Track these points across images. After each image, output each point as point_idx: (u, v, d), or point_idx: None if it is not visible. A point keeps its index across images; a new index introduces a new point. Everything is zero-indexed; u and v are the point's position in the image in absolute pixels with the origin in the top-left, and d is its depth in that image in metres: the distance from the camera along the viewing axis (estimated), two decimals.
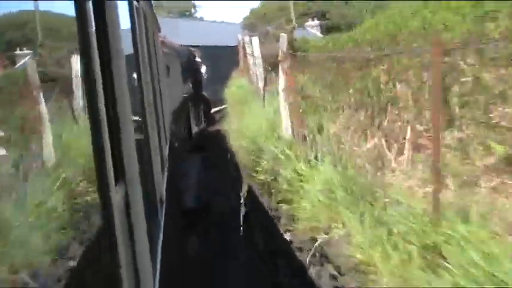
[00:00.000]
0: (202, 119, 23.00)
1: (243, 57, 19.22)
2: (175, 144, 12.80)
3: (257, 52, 14.70)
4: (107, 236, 2.09)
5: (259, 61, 14.43)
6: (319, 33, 43.75)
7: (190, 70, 21.21)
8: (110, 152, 2.20)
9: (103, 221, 2.10)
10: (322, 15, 48.90)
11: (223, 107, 22.84)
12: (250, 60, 16.52)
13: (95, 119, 2.11)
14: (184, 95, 18.81)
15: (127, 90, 2.89)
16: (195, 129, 20.58)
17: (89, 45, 2.08)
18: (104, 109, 2.20)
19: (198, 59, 23.07)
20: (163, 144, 6.30)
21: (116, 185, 2.27)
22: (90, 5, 2.13)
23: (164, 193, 4.91)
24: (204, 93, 23.68)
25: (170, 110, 12.79)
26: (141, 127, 4.14)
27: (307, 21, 47.24)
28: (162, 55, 12.10)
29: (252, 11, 47.72)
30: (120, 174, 2.53)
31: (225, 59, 24.45)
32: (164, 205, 4.60)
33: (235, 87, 18.15)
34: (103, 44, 2.42)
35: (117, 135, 2.55)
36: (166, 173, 5.83)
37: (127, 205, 2.64)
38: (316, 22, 49.25)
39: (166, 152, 6.74)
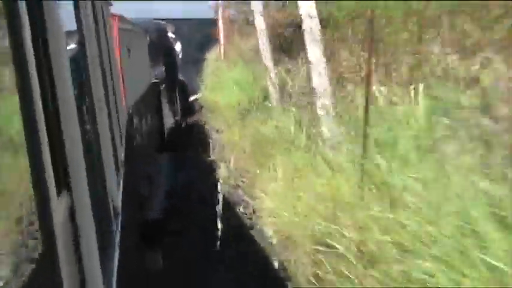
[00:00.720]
0: (179, 108, 22.67)
1: (225, 31, 17.29)
2: (138, 142, 12.66)
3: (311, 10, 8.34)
4: (48, 259, 2.05)
5: (316, 29, 8.24)
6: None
7: (160, 49, 20.83)
8: (48, 156, 2.16)
9: (42, 240, 2.06)
10: None
11: (200, 95, 22.37)
12: (262, 36, 11.83)
13: (28, 117, 2.08)
14: (155, 81, 18.32)
15: (70, 82, 2.85)
16: (169, 121, 20.12)
17: (19, 29, 2.05)
18: (40, 106, 2.17)
19: (171, 35, 22.81)
20: (118, 145, 6.25)
21: (58, 197, 2.23)
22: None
23: (120, 203, 4.87)
24: (181, 76, 23.41)
25: (132, 100, 12.56)
26: (89, 127, 4.09)
27: None
28: (119, 34, 11.91)
29: None
30: (63, 184, 2.49)
31: (194, 34, 23.96)
32: (119, 217, 4.56)
33: (222, 83, 13.23)
34: (36, 21, 2.39)
35: (58, 137, 2.51)
36: (122, 180, 5.79)
37: (72, 220, 2.60)
38: None
39: (121, 153, 6.68)
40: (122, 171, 6.13)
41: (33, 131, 2.09)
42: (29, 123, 2.09)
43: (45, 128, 2.18)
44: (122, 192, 5.45)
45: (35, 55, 2.16)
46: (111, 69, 7.84)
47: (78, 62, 4.39)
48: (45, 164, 2.10)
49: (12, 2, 2.01)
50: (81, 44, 4.59)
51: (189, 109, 23.62)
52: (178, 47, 23.24)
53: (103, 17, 8.06)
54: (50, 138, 2.24)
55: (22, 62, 2.06)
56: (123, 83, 11.31)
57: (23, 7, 2.08)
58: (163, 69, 20.62)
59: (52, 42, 2.53)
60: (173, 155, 17.83)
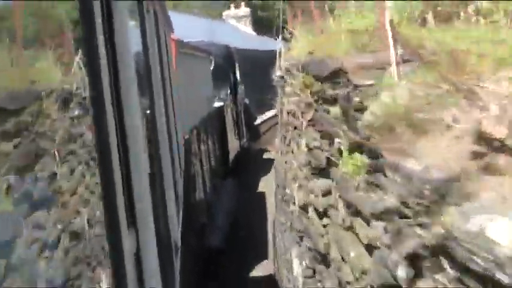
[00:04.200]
0: (244, 133, 23.07)
1: None
2: (198, 170, 12.95)
3: None
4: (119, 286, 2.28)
5: None
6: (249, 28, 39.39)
7: (227, 72, 21.20)
8: (121, 191, 2.39)
9: (113, 269, 2.29)
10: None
11: (267, 116, 22.49)
12: None
13: (104, 154, 2.30)
14: (219, 104, 18.66)
15: (139, 114, 3.09)
16: (234, 147, 20.31)
17: (98, 62, 2.27)
18: (115, 142, 2.40)
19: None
20: (177, 177, 6.53)
21: (128, 231, 2.46)
22: (98, 5, 2.32)
23: (179, 237, 5.11)
24: (246, 100, 23.97)
25: (191, 126, 12.93)
26: (152, 160, 4.34)
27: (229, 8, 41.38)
28: (177, 58, 12.36)
29: None
30: (131, 217, 2.72)
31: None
32: (179, 251, 4.80)
33: None
34: (111, 61, 2.61)
35: (127, 171, 2.74)
36: (181, 213, 6.04)
37: (138, 252, 2.83)
38: (245, 10, 41.35)
39: (180, 187, 6.95)
40: (181, 203, 6.40)
41: (108, 169, 2.31)
42: (103, 161, 2.31)
43: (118, 164, 2.40)
44: (182, 223, 5.70)
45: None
46: (172, 94, 8.16)
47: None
48: (117, 199, 2.32)
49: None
50: (147, 69, 4.88)
51: (256, 133, 24.11)
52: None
53: (166, 42, 8.43)
54: (121, 175, 2.46)
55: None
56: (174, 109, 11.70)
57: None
58: (228, 92, 21.07)
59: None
60: (236, 181, 18.12)
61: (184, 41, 15.17)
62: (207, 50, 18.56)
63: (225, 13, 41.70)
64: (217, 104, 18.63)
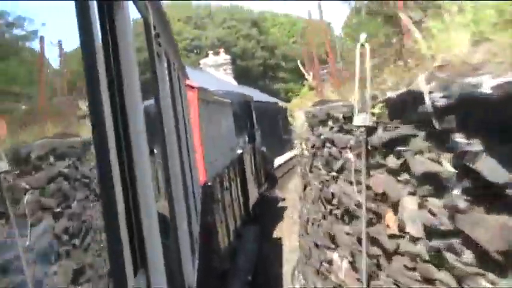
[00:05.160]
0: (263, 180, 23.25)
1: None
2: (217, 216, 12.88)
3: None
4: None
5: None
6: (232, 79, 37.55)
7: (246, 120, 21.48)
8: (126, 233, 2.25)
9: None
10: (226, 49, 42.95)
11: (282, 161, 22.94)
12: None
13: (107, 191, 2.16)
14: (240, 151, 18.71)
15: (146, 147, 2.97)
16: (254, 196, 20.33)
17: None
18: (120, 180, 2.27)
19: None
20: (193, 221, 6.40)
21: (135, 276, 2.31)
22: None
23: (195, 282, 4.96)
24: (263, 148, 24.41)
25: (214, 172, 12.87)
26: (166, 201, 4.23)
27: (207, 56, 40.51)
28: (199, 105, 12.36)
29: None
30: (140, 262, 2.59)
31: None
32: None
33: None
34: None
35: (136, 211, 2.62)
36: (197, 259, 5.90)
37: None
38: (225, 57, 40.31)
39: (196, 230, 6.82)
40: (197, 248, 6.25)
41: (111, 207, 2.17)
42: (106, 197, 2.18)
43: (123, 204, 2.26)
44: (202, 268, 5.54)
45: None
46: (187, 141, 8.09)
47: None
48: (123, 243, 2.18)
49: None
50: (159, 115, 4.80)
51: (273, 179, 24.64)
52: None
53: (180, 87, 8.40)
54: (127, 214, 2.33)
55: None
56: (202, 155, 11.64)
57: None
58: (247, 139, 21.17)
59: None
60: (257, 228, 18.19)
61: (207, 88, 15.23)
62: (228, 99, 18.77)
63: (202, 61, 40.67)
64: (238, 152, 18.72)
